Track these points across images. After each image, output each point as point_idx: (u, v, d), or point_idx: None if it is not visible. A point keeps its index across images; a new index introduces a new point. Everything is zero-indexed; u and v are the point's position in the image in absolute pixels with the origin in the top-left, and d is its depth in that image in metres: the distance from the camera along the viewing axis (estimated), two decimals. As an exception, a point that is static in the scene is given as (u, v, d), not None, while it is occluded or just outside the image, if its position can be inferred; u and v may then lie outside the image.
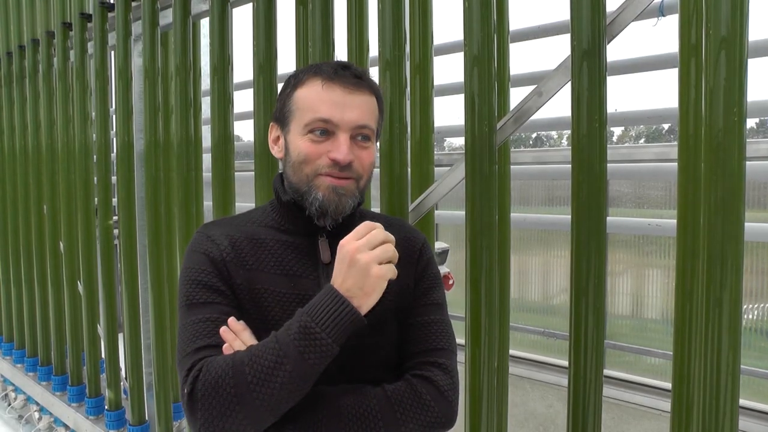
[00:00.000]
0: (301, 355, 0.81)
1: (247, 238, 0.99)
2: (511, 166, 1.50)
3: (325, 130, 0.94)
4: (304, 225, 0.99)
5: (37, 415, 3.04)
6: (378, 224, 0.87)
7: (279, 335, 0.84)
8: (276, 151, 1.04)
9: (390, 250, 0.86)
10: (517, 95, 1.36)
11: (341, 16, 1.56)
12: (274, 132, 1.04)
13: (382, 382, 0.94)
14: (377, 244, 0.85)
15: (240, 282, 0.95)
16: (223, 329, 0.89)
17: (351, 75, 0.95)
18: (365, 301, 0.84)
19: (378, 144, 1.10)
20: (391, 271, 0.85)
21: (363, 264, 0.83)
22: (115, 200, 2.47)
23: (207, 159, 2.01)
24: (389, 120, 1.44)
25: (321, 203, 0.94)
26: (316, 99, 0.94)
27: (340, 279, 0.85)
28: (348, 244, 0.85)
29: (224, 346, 0.88)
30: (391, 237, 0.87)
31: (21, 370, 3.17)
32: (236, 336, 0.89)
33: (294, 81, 0.99)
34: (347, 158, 0.92)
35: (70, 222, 2.65)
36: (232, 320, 0.90)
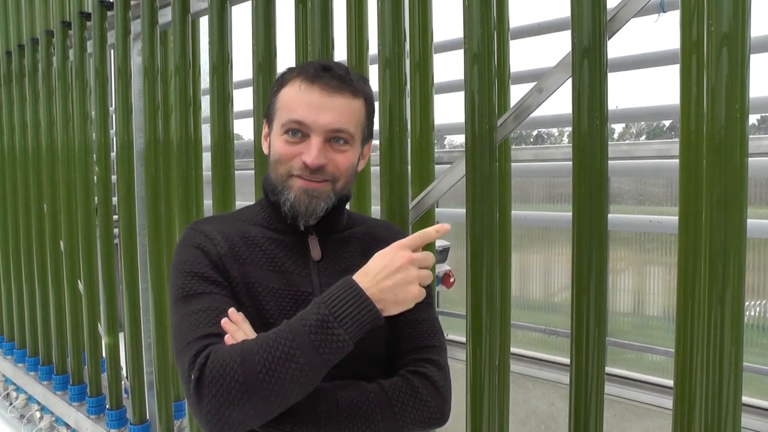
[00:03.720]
0: (316, 349, 0.79)
1: (239, 234, 0.99)
2: (512, 164, 1.50)
3: (298, 132, 0.94)
4: (292, 224, 0.99)
5: (38, 414, 3.05)
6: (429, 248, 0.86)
7: (293, 325, 0.81)
8: (265, 147, 1.04)
9: (430, 278, 0.85)
10: (517, 92, 1.36)
11: (341, 13, 1.55)
12: (264, 129, 1.04)
13: (373, 379, 0.94)
14: (426, 266, 0.84)
15: (236, 275, 0.94)
16: (224, 320, 0.87)
17: (331, 77, 0.94)
18: (390, 310, 0.83)
19: (374, 143, 1.09)
20: (422, 295, 0.84)
21: (411, 277, 0.82)
22: (115, 199, 2.47)
23: (207, 158, 2.00)
24: (389, 118, 1.44)
25: (292, 203, 0.95)
26: (294, 100, 0.94)
27: (378, 278, 0.82)
28: (404, 250, 0.83)
29: (226, 337, 0.86)
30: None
31: (22, 370, 3.17)
32: (237, 327, 0.87)
33: (280, 80, 0.99)
34: (316, 162, 0.92)
35: (71, 221, 2.65)
36: (232, 311, 0.88)
